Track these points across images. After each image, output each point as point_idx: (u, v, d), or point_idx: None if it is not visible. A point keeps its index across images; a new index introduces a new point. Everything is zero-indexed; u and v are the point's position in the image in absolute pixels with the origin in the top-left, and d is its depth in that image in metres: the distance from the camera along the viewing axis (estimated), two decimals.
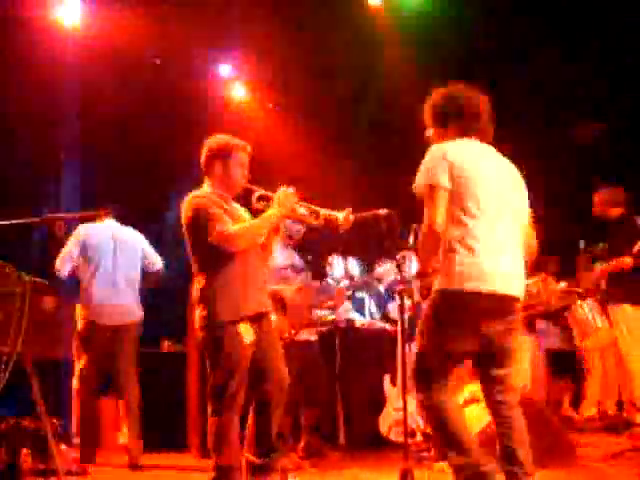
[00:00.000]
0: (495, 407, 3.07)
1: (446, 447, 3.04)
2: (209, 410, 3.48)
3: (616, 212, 5.59)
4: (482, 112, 3.19)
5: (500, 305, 3.01)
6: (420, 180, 3.04)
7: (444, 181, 2.97)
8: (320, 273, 6.17)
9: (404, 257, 5.34)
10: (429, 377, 3.05)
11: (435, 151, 3.07)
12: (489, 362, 3.07)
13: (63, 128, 6.57)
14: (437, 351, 3.04)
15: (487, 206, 3.02)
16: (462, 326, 3.00)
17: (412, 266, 5.75)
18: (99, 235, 5.20)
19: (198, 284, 3.57)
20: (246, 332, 3.47)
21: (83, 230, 5.18)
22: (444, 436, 3.04)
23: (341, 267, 6.68)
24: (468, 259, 2.96)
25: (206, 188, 3.68)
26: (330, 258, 6.69)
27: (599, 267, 5.59)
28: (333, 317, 5.90)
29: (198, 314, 3.54)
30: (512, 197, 3.14)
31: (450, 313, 3.00)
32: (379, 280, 6.77)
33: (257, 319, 3.56)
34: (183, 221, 3.59)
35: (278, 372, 3.60)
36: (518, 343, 3.14)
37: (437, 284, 3.03)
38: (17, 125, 6.66)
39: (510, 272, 3.05)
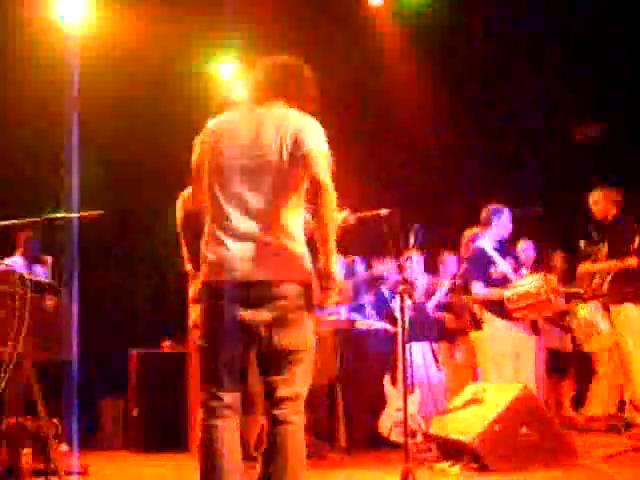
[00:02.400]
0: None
1: None
2: None
3: (612, 212, 5.58)
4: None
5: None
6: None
7: None
8: None
9: (407, 258, 5.32)
10: None
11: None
12: None
13: (63, 128, 6.55)
14: None
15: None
16: None
17: (414, 266, 5.74)
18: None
19: (195, 284, 3.54)
20: None
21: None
22: None
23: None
24: None
25: None
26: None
27: (598, 266, 5.58)
28: (334, 317, 5.89)
29: (194, 313, 3.51)
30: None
31: None
32: (381, 279, 6.73)
33: None
34: (178, 221, 3.51)
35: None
36: None
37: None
38: (17, 125, 6.66)
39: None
